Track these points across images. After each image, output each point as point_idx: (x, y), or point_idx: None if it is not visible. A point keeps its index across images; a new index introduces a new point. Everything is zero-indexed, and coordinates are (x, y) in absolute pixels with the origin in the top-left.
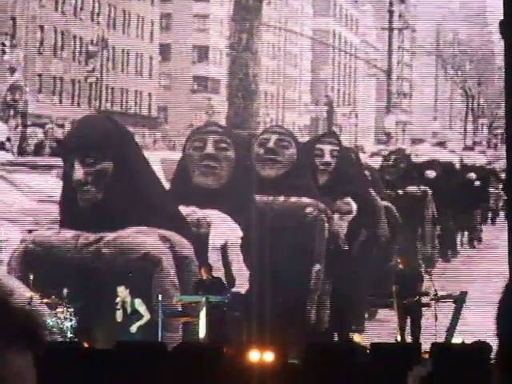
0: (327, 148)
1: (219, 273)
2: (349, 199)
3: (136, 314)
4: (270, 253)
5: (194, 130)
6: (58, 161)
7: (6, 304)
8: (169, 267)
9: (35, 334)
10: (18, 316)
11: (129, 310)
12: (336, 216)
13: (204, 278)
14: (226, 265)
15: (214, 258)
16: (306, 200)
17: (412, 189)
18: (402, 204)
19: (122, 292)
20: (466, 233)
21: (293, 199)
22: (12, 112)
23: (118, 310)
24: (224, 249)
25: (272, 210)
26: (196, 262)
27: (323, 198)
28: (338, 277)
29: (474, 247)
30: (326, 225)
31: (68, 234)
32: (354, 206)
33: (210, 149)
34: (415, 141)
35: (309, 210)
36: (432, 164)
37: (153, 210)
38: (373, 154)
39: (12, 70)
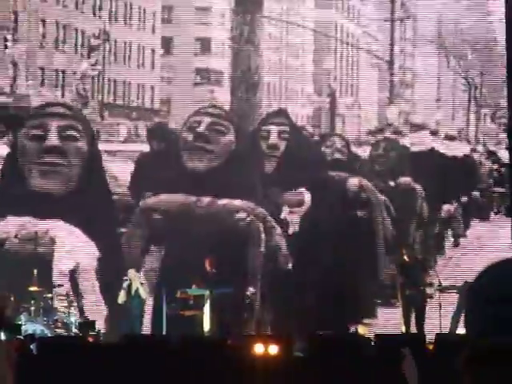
0: (274, 129)
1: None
2: (302, 189)
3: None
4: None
5: (31, 112)
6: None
7: None
8: None
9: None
10: None
11: (133, 292)
12: (285, 210)
13: (208, 270)
14: (77, 294)
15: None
16: (237, 203)
17: (405, 180)
18: (397, 196)
19: (132, 274)
20: (467, 223)
21: (222, 201)
22: (84, 102)
23: (124, 289)
24: (74, 274)
25: (192, 214)
26: None
27: (272, 189)
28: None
29: (477, 238)
30: (263, 236)
31: None
32: (308, 197)
33: (52, 139)
34: (415, 129)
35: (240, 215)
36: (429, 154)
37: None
38: (361, 144)
39: (81, 60)
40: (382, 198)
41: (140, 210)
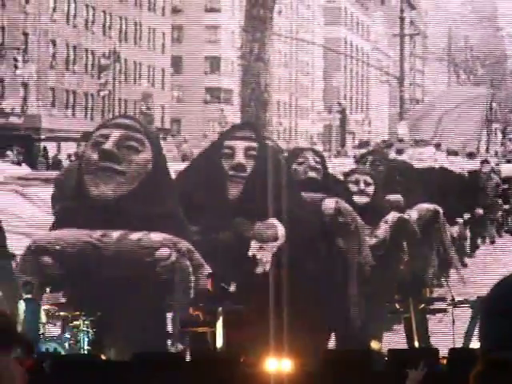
0: (240, 145)
1: None
2: (274, 221)
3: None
4: None
5: None
6: None
7: None
8: None
9: (13, 334)
10: None
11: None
12: (254, 244)
13: (210, 289)
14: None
15: None
16: (155, 237)
17: (395, 198)
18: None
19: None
20: (480, 238)
21: (135, 235)
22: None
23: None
24: None
25: (96, 255)
26: None
27: (238, 219)
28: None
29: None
30: (192, 278)
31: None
32: (282, 231)
33: None
34: (419, 144)
35: (162, 252)
36: (435, 170)
37: None
38: (340, 156)
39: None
40: (397, 216)
41: (28, 252)
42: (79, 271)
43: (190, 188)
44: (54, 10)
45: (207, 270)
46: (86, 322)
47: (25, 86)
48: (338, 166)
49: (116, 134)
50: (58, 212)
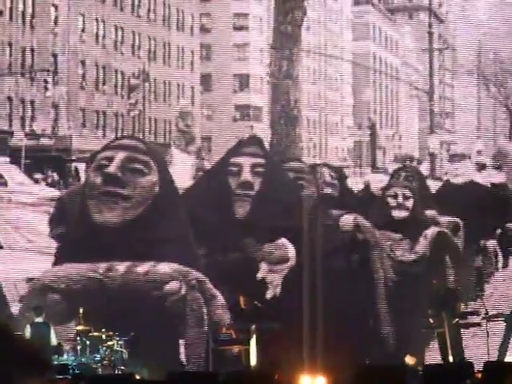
0: (247, 162)
1: None
2: (284, 241)
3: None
4: None
5: None
6: None
7: (9, 336)
8: None
9: (39, 358)
10: (21, 344)
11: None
12: (264, 266)
13: (243, 307)
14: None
15: None
16: (163, 268)
17: (431, 213)
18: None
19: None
20: (506, 254)
21: (142, 267)
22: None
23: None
24: None
25: (102, 290)
26: None
27: (247, 240)
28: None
29: None
30: (204, 310)
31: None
32: (292, 251)
33: None
34: (455, 159)
35: (171, 286)
36: (468, 185)
37: None
38: (375, 171)
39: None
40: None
41: (33, 289)
42: (84, 306)
43: (196, 208)
44: (83, 30)
45: (220, 300)
46: (120, 342)
47: (55, 107)
48: (375, 182)
49: (120, 156)
50: (60, 240)
